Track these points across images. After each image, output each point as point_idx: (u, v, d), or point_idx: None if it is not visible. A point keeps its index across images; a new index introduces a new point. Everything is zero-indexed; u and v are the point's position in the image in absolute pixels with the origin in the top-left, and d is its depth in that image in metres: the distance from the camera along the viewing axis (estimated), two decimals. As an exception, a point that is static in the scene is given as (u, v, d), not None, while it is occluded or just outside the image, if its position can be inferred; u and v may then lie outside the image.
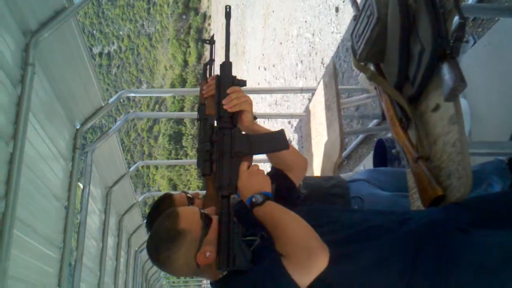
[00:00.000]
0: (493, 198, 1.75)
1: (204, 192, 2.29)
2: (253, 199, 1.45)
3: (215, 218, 1.50)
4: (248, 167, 1.55)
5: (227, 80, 1.65)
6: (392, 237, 1.48)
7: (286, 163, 1.74)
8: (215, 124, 1.65)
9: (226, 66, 1.67)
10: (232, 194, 1.51)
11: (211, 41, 2.37)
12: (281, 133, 1.61)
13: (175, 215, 1.51)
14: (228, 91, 1.60)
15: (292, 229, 1.35)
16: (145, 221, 6.36)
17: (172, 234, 1.47)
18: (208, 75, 2.39)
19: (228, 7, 1.73)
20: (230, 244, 1.40)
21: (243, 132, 1.63)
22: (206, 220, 1.50)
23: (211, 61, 2.39)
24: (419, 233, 1.48)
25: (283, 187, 1.69)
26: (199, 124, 2.15)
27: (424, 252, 1.43)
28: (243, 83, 1.67)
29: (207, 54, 32.36)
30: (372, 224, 1.54)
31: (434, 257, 1.43)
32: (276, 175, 1.72)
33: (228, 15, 1.73)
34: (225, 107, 1.58)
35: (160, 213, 1.92)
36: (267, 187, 1.50)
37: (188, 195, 2.26)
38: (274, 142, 1.61)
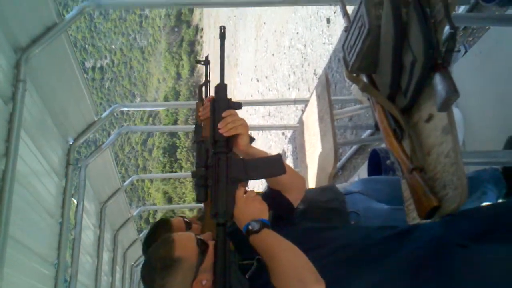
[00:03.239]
0: (492, 211, 1.73)
1: (200, 205, 2.26)
2: (250, 227, 1.42)
3: (211, 244, 1.46)
4: (245, 192, 1.51)
5: (222, 103, 1.60)
6: (390, 261, 1.46)
7: (283, 185, 1.70)
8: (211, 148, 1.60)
9: (221, 88, 1.63)
10: (228, 221, 1.47)
11: (206, 62, 2.36)
12: (278, 158, 1.58)
13: (170, 242, 1.47)
14: (223, 114, 1.56)
15: (287, 261, 1.32)
16: (140, 235, 6.35)
17: (167, 262, 1.43)
18: (204, 96, 2.38)
19: (222, 27, 1.69)
20: (226, 274, 1.36)
21: (239, 156, 1.59)
22: (202, 246, 1.46)
23: (207, 82, 2.37)
24: (419, 253, 1.47)
25: (281, 209, 1.67)
26: (196, 147, 2.13)
27: (424, 273, 1.42)
28: (238, 106, 1.62)
29: (200, 67, 32.43)
30: (371, 242, 1.52)
31: (434, 278, 1.41)
32: (274, 196, 1.69)
33: (222, 36, 1.70)
34: (220, 131, 1.54)
35: (157, 239, 1.89)
36: (264, 214, 1.46)
37: (186, 219, 2.23)
38: (271, 167, 1.57)
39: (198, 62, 2.41)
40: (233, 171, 1.53)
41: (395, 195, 2.14)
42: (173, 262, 1.42)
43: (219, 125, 1.55)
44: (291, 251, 1.36)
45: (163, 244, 1.48)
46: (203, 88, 2.40)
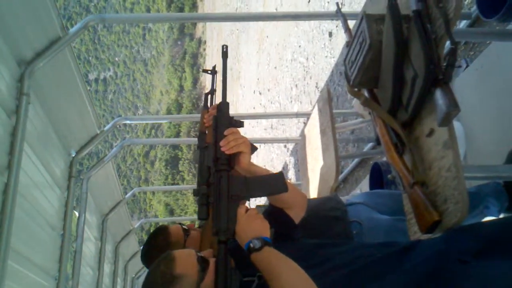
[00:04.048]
0: (494, 226, 1.73)
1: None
2: (251, 245, 1.42)
3: (212, 261, 1.45)
4: (246, 210, 1.51)
5: (224, 121, 1.62)
6: (392, 278, 1.46)
7: (285, 202, 1.70)
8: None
9: (224, 106, 1.65)
10: (230, 239, 1.47)
11: (213, 72, 2.39)
12: (279, 176, 1.59)
13: (171, 259, 1.46)
14: (225, 132, 1.58)
15: (289, 280, 1.32)
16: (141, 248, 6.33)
17: (167, 280, 1.42)
18: (209, 104, 2.41)
19: (225, 46, 1.71)
20: None
21: (241, 174, 1.59)
22: (203, 263, 1.45)
23: (213, 90, 2.41)
24: (420, 269, 1.46)
25: (283, 226, 1.67)
26: (200, 153, 2.14)
27: None
28: (240, 124, 1.64)
29: (202, 79, 32.55)
30: (372, 260, 1.52)
31: None
32: (276, 213, 1.68)
33: (225, 55, 1.71)
34: (222, 149, 1.55)
35: (155, 247, 1.86)
36: (266, 232, 1.47)
37: (184, 226, 2.22)
38: (273, 185, 1.58)
39: (205, 71, 2.45)
40: (235, 189, 1.53)
41: (397, 208, 2.14)
42: (173, 279, 1.41)
43: (221, 143, 1.56)
44: (292, 270, 1.35)
45: (164, 261, 1.47)
46: (209, 96, 2.44)
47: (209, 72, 2.40)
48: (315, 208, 2.25)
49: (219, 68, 1.97)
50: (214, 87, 2.41)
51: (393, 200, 2.36)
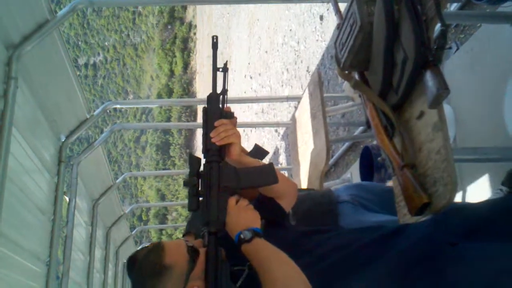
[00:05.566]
0: (483, 207, 1.74)
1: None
2: (241, 236, 1.42)
3: (202, 251, 1.45)
4: (237, 201, 1.52)
5: (215, 112, 1.63)
6: (378, 264, 1.46)
7: (276, 192, 1.69)
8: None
9: (213, 98, 1.65)
10: (220, 230, 1.48)
11: (224, 69, 2.34)
12: (270, 167, 1.59)
13: (160, 249, 1.45)
14: (215, 123, 1.58)
15: (278, 272, 1.32)
16: (133, 233, 6.34)
17: (157, 270, 1.41)
18: (220, 105, 2.37)
19: (215, 37, 1.71)
20: (218, 284, 1.37)
21: (231, 165, 1.59)
22: (193, 253, 1.45)
23: (224, 91, 2.35)
24: (408, 253, 1.47)
25: (274, 215, 1.67)
26: None
27: (413, 273, 1.43)
28: (230, 115, 1.65)
29: (193, 63, 32.36)
30: (360, 245, 1.53)
31: (424, 277, 1.42)
32: (266, 202, 1.68)
33: (214, 46, 1.71)
34: (213, 140, 1.55)
35: None
36: (256, 223, 1.47)
37: None
38: (263, 176, 1.58)
39: (217, 69, 2.37)
40: (225, 180, 1.54)
41: (384, 208, 2.14)
42: (163, 269, 1.41)
43: (211, 134, 1.56)
44: (282, 262, 1.35)
45: (153, 251, 1.47)
46: (221, 97, 2.39)
47: (220, 70, 2.35)
48: (306, 215, 2.22)
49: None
50: (226, 87, 2.36)
51: (381, 198, 2.34)
